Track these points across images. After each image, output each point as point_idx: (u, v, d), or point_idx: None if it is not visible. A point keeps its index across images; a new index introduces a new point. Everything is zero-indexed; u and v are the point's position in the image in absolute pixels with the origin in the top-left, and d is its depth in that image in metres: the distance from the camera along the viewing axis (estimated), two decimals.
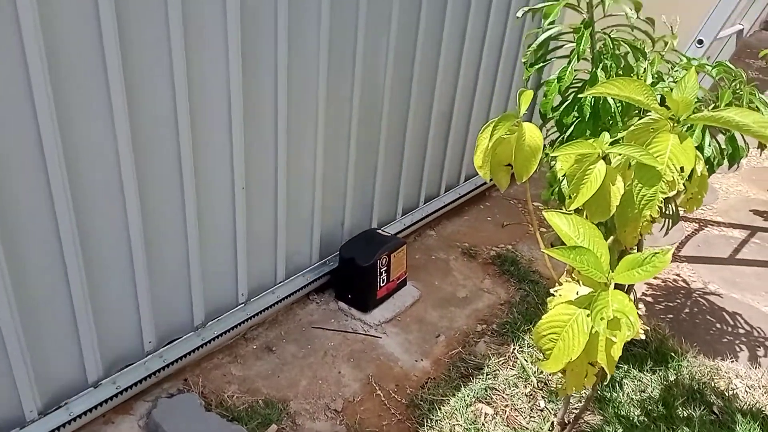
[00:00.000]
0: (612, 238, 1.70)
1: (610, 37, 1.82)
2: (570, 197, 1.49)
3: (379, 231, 2.95)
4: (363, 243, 2.80)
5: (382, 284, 2.76)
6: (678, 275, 3.31)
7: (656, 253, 1.35)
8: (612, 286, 1.36)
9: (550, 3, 1.73)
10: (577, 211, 1.52)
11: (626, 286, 2.04)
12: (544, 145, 1.67)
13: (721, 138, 2.05)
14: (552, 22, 1.79)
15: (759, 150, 2.04)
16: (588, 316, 1.30)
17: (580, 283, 1.47)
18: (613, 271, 1.37)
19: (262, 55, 2.13)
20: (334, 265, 2.80)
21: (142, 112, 1.83)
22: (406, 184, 3.18)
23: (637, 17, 1.71)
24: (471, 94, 3.37)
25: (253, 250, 2.42)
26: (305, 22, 2.23)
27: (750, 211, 4.10)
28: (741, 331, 2.90)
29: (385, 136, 2.87)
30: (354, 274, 2.71)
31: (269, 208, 2.44)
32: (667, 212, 2.15)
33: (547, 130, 2.09)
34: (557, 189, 1.95)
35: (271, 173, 2.38)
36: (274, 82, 2.21)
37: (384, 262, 2.73)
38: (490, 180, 1.73)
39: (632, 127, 1.52)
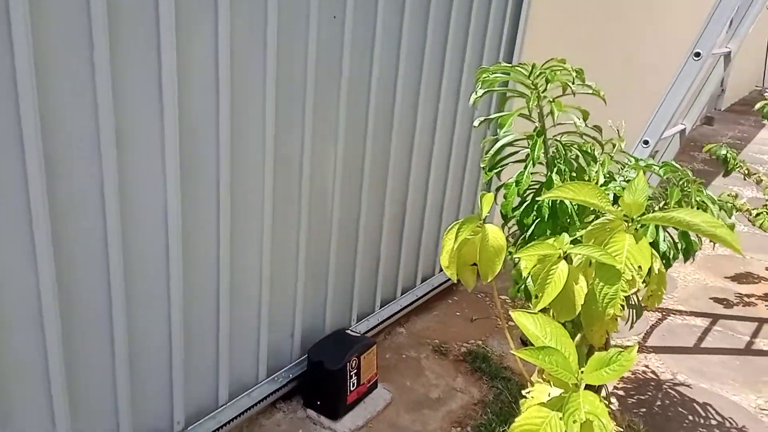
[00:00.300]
0: (580, 335, 1.72)
1: (561, 143, 1.93)
2: (536, 297, 1.52)
3: (348, 331, 2.92)
4: (331, 345, 2.75)
5: (352, 388, 2.69)
6: (647, 366, 3.32)
7: (622, 351, 1.37)
8: (583, 386, 1.36)
9: (504, 114, 1.84)
10: (544, 309, 1.54)
11: None
12: (508, 241, 1.72)
13: (674, 231, 2.14)
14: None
15: (711, 244, 2.13)
16: (561, 419, 1.29)
17: (551, 383, 1.47)
18: (582, 369, 1.38)
19: (202, 155, 2.03)
20: (283, 382, 2.66)
21: (67, 225, 1.70)
22: (360, 290, 3.10)
23: (585, 125, 1.82)
24: (422, 198, 3.39)
25: (191, 371, 2.23)
26: (248, 121, 2.16)
27: (710, 299, 4.20)
28: (713, 422, 2.89)
29: (336, 246, 2.81)
30: (323, 379, 2.64)
31: (210, 325, 2.27)
32: (630, 303, 2.20)
33: (509, 228, 2.16)
34: (523, 286, 1.99)
35: (213, 288, 2.23)
36: (216, 186, 2.10)
37: (354, 364, 2.68)
38: (457, 279, 1.76)
39: (590, 227, 1.59)
